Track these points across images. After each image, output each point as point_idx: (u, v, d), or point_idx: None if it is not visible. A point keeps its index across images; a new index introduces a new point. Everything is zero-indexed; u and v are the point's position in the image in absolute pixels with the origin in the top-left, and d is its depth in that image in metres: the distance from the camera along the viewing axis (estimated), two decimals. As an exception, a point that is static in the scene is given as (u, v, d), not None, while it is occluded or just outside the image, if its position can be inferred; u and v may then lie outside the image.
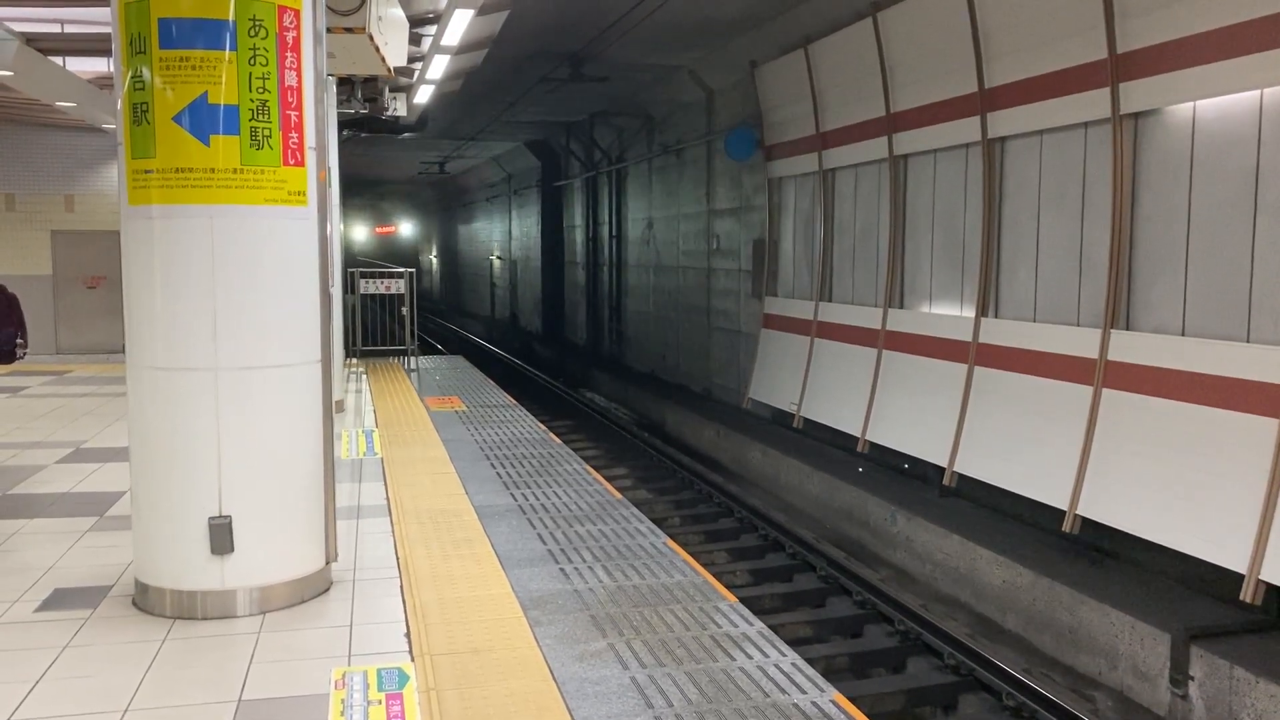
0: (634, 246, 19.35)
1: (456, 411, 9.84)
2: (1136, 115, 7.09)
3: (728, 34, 12.58)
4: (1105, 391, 7.22)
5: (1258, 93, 6.16)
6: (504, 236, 31.03)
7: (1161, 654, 6.07)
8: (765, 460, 11.72)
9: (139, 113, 4.16)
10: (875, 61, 9.96)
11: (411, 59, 10.50)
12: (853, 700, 3.65)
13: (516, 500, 6.36)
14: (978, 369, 8.69)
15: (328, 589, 4.65)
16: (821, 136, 11.36)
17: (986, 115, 8.53)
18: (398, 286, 13.18)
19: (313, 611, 4.40)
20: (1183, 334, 6.76)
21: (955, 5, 8.60)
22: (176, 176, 4.14)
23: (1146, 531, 6.69)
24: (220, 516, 4.25)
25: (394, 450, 7.85)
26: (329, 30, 6.67)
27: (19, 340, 6.41)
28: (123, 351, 4.47)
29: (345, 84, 11.02)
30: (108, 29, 4.38)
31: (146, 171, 4.18)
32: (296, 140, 4.31)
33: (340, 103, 11.06)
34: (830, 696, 3.61)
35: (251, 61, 4.16)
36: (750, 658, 3.95)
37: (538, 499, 6.40)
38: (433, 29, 9.57)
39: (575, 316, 23.83)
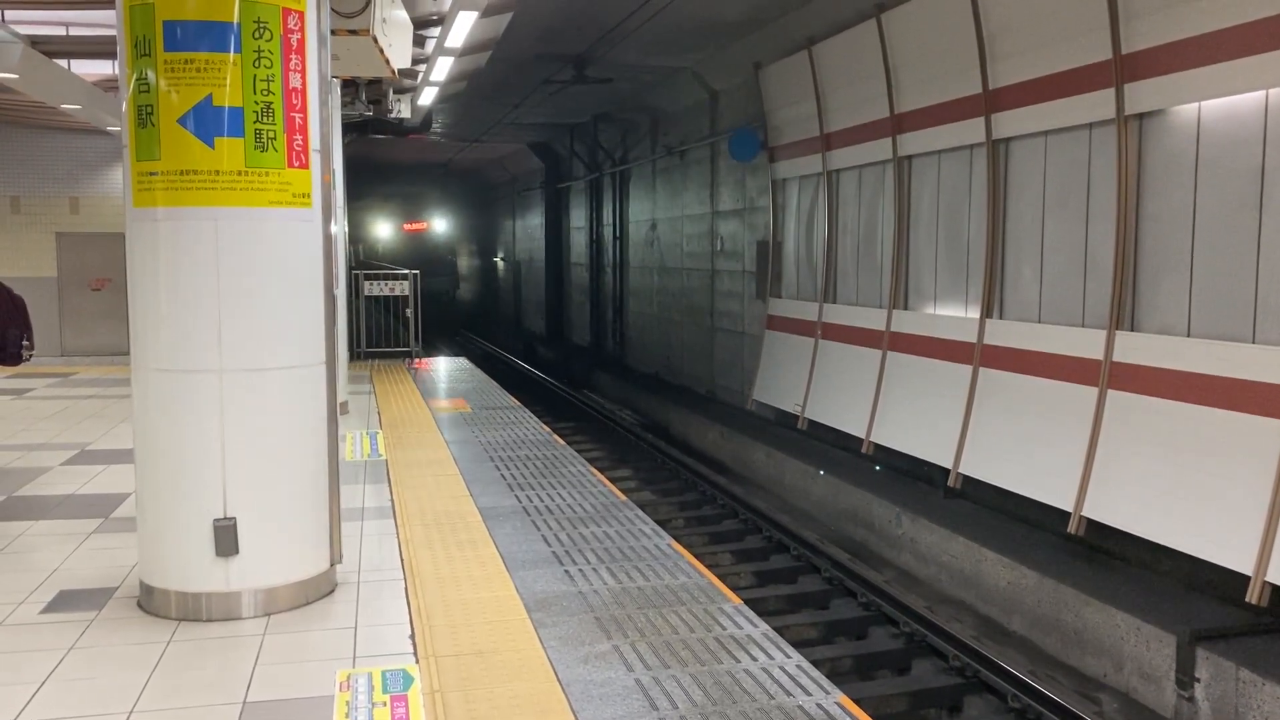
0: (638, 248, 19.34)
1: (461, 413, 9.84)
2: (1141, 116, 7.07)
3: (731, 35, 12.58)
4: (1110, 393, 7.21)
5: (1263, 93, 6.14)
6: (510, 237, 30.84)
7: (1167, 656, 6.05)
8: (769, 462, 11.71)
9: (144, 115, 4.16)
10: (879, 62, 9.94)
11: (416, 61, 10.52)
12: (858, 702, 3.63)
13: (521, 502, 6.36)
14: (982, 370, 8.68)
15: (332, 591, 4.65)
16: (825, 138, 11.35)
17: (991, 116, 8.52)
18: (402, 288, 13.21)
19: (318, 613, 4.40)
20: (1188, 335, 6.74)
21: (959, 6, 8.59)
22: (181, 179, 4.15)
23: (1152, 533, 6.67)
24: (225, 518, 4.26)
25: (398, 452, 7.85)
26: (333, 32, 6.72)
27: (25, 342, 6.43)
28: (127, 353, 4.47)
29: (350, 86, 11.06)
30: (112, 31, 4.40)
31: (151, 174, 4.18)
32: (301, 142, 4.32)
33: (345, 104, 11.08)
34: (836, 698, 3.60)
35: (256, 64, 4.16)
36: (755, 660, 3.94)
37: (542, 501, 6.39)
38: (437, 31, 9.59)
39: (579, 318, 23.83)
